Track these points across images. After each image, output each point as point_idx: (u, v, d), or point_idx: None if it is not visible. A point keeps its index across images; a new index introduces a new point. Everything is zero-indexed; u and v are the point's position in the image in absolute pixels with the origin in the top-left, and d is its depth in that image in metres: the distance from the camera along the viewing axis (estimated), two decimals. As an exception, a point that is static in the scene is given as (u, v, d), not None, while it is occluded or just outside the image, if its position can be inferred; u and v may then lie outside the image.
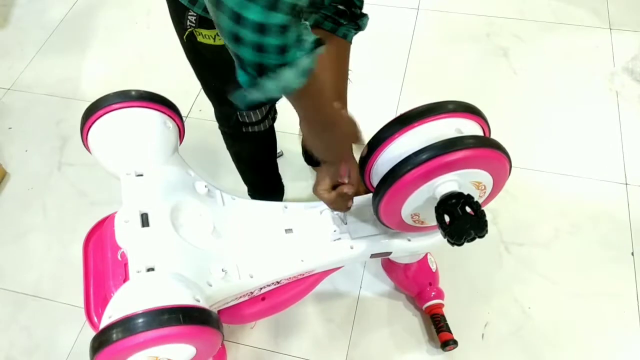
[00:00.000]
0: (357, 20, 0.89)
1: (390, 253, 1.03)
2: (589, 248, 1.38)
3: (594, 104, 1.68)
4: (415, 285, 1.24)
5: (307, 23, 0.61)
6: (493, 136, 0.86)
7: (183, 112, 1.31)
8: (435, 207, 0.78)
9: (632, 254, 1.36)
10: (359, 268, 1.37)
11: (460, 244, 0.76)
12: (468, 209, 0.76)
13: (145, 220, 0.86)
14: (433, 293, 1.22)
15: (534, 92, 1.72)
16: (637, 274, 1.33)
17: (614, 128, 1.61)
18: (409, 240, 1.01)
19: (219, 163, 1.53)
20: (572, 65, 1.78)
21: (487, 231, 0.76)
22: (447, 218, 0.77)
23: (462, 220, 0.76)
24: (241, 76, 0.62)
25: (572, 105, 1.68)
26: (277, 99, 0.65)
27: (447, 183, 0.80)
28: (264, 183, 1.41)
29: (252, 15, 0.53)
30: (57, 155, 1.65)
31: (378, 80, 1.76)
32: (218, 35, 0.88)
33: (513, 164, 0.85)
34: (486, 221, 0.76)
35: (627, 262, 1.35)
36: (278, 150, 1.43)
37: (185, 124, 1.08)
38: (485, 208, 0.92)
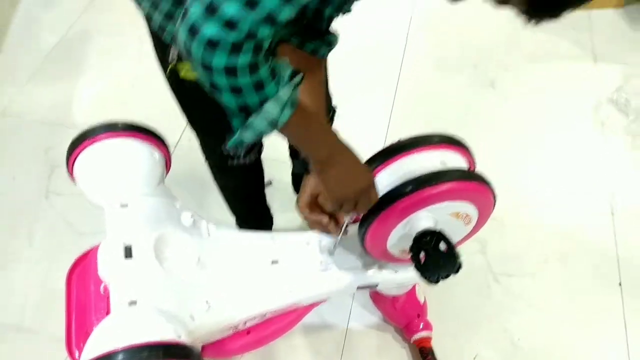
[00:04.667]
0: (324, 37, 0.85)
1: (377, 285, 1.03)
2: (577, 278, 1.38)
3: (580, 134, 1.70)
4: (404, 317, 1.23)
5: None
6: (481, 166, 0.87)
7: (172, 141, 1.32)
8: (410, 247, 0.78)
9: (620, 284, 1.36)
10: (348, 299, 1.35)
11: (435, 282, 0.76)
12: (443, 246, 0.76)
13: (128, 252, 0.85)
14: (421, 325, 1.21)
15: (521, 122, 1.74)
16: (624, 303, 1.33)
17: (599, 158, 1.63)
18: (396, 271, 1.00)
19: (207, 192, 1.53)
20: (557, 97, 1.81)
21: (460, 267, 0.76)
22: (422, 255, 0.77)
23: (434, 258, 0.76)
24: (234, 122, 0.64)
25: (558, 135, 1.70)
26: (268, 135, 0.66)
27: (422, 220, 0.80)
28: (252, 214, 1.40)
29: (218, 62, 0.56)
30: (45, 183, 1.64)
31: (367, 107, 1.78)
32: None
33: (501, 194, 0.85)
34: (458, 259, 0.76)
35: (615, 292, 1.35)
36: (267, 180, 1.42)
37: (175, 153, 1.08)
38: (473, 238, 0.93)
